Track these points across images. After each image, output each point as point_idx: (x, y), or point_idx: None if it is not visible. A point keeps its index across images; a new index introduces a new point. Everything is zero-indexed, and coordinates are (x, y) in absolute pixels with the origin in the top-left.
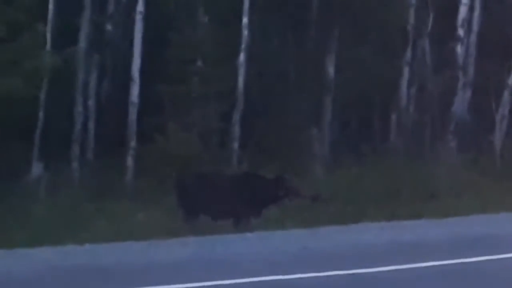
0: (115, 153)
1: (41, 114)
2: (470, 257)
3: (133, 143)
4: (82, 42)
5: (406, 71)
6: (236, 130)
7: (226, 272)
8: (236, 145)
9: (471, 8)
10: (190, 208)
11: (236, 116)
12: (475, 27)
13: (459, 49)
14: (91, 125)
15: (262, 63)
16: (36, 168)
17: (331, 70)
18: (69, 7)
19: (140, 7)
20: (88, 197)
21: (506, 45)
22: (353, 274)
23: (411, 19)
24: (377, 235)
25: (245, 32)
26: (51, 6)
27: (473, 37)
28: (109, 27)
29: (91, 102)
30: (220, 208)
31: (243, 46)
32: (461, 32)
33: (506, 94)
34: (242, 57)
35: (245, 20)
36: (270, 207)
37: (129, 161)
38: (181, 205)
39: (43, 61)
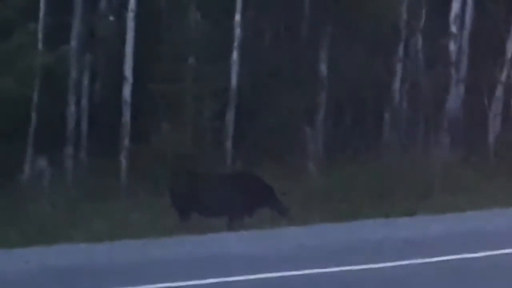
0: (108, 152)
1: (33, 114)
2: (465, 253)
3: (126, 143)
4: (74, 41)
5: (398, 68)
6: (230, 128)
7: (221, 271)
8: (229, 143)
9: (463, 5)
10: (183, 207)
11: (230, 115)
12: (467, 23)
13: (452, 45)
14: (84, 124)
15: (255, 61)
16: (29, 168)
17: (324, 67)
18: (61, 6)
19: (131, 5)
20: (82, 197)
21: (499, 41)
22: (348, 271)
23: (404, 15)
24: (372, 232)
25: (238, 30)
26: (42, 5)
27: (466, 34)
28: (101, 25)
29: (84, 102)
30: (213, 207)
31: (236, 44)
32: (453, 28)
33: (499, 90)
34: (235, 55)
35: (237, 17)
36: (263, 207)
37: (123, 161)
38: (174, 205)
39: (35, 61)
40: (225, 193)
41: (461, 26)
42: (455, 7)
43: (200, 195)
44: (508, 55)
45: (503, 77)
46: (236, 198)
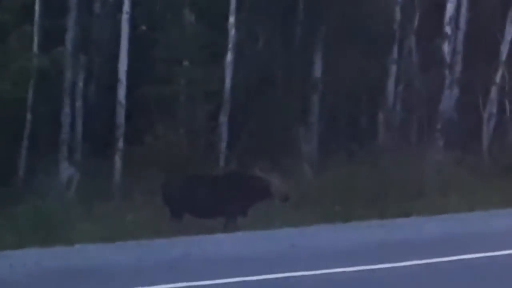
0: (103, 154)
1: (28, 116)
2: (459, 254)
3: (120, 144)
4: (69, 44)
5: (393, 69)
6: (224, 130)
7: (215, 272)
8: (223, 145)
9: (458, 6)
10: (176, 208)
11: (224, 116)
12: (462, 24)
13: (446, 47)
14: (79, 126)
15: (249, 63)
16: (24, 170)
17: (318, 69)
18: (56, 9)
19: (126, 7)
20: (76, 198)
21: (493, 42)
22: (342, 272)
23: (397, 17)
24: (366, 234)
25: (232, 32)
26: (37, 8)
27: (460, 35)
28: (95, 28)
29: (78, 104)
30: (205, 208)
31: (230, 46)
32: (448, 29)
33: (493, 92)
34: (229, 57)
35: (231, 19)
36: (256, 206)
37: (117, 162)
38: (166, 206)
39: (30, 63)
40: (218, 194)
41: (456, 27)
42: (449, 8)
43: (192, 196)
44: (503, 56)
45: (498, 78)
46: (228, 198)
